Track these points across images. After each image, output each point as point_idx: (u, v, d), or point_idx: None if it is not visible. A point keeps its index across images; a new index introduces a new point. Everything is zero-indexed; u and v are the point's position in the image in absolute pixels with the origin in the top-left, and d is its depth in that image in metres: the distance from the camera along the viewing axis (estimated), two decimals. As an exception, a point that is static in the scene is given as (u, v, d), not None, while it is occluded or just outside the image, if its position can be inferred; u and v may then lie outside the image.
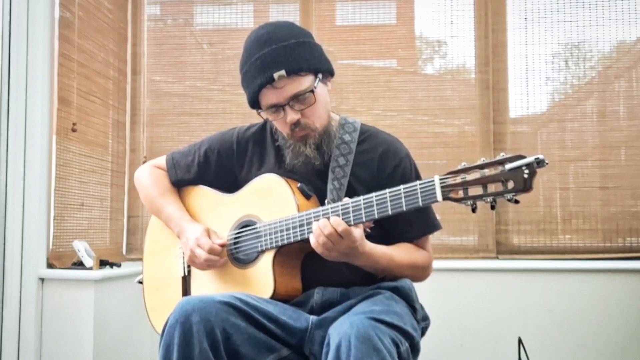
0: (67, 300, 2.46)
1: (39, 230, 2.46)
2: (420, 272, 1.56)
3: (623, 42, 2.88)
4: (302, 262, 1.51)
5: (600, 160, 2.82)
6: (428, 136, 2.93)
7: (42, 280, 2.47)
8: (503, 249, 2.83)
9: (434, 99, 2.95)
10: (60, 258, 2.57)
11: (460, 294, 2.71)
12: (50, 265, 2.50)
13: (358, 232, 1.36)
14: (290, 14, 3.07)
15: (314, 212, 1.40)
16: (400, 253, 1.50)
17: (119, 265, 2.66)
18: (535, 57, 2.90)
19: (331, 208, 1.38)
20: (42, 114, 2.49)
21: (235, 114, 3.04)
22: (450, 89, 2.98)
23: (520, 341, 2.40)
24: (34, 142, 2.47)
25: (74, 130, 2.65)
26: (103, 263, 2.61)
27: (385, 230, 1.51)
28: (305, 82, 1.47)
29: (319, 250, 1.37)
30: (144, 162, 1.83)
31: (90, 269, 2.49)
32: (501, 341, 2.52)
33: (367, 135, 1.60)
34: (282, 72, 1.43)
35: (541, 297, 2.68)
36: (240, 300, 1.32)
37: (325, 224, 1.35)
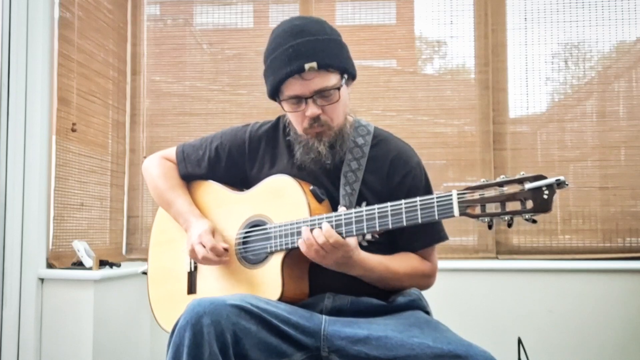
0: (67, 300, 2.46)
1: (39, 230, 2.46)
2: (421, 282, 1.54)
3: (623, 42, 2.88)
4: (312, 267, 1.49)
5: (600, 161, 2.82)
6: (428, 136, 2.92)
7: (42, 280, 2.47)
8: (503, 249, 2.83)
9: (434, 99, 2.95)
10: (60, 258, 2.57)
11: (460, 294, 2.70)
12: (50, 265, 2.50)
13: (352, 241, 1.36)
14: (290, 14, 3.07)
15: (326, 217, 1.39)
16: (397, 262, 1.49)
17: (118, 266, 2.66)
18: (535, 57, 2.90)
19: (344, 215, 1.37)
20: (42, 114, 2.49)
21: (234, 114, 3.04)
22: (450, 89, 2.98)
23: (520, 341, 2.40)
24: (34, 142, 2.47)
25: (73, 130, 2.65)
26: (103, 263, 2.61)
27: (391, 238, 1.49)
28: (333, 78, 1.46)
29: (311, 256, 1.37)
30: (144, 161, 1.82)
31: (90, 269, 2.49)
32: (501, 341, 2.52)
33: (379, 140, 1.59)
34: (314, 64, 1.42)
35: (541, 297, 2.68)
36: (251, 303, 1.31)
37: (318, 234, 1.35)
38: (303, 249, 1.37)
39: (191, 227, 1.59)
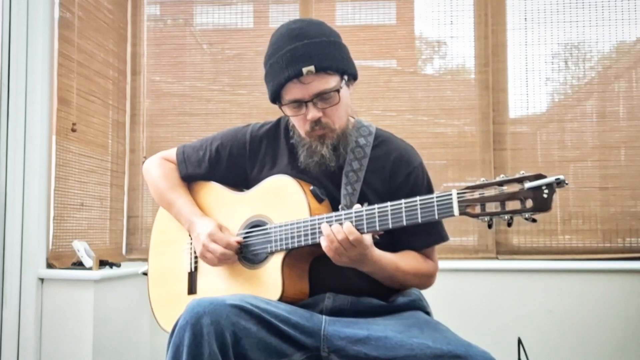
0: (67, 300, 2.46)
1: (39, 230, 2.46)
2: (424, 281, 1.55)
3: (623, 43, 2.88)
4: (313, 267, 1.49)
5: (600, 161, 2.82)
6: (428, 136, 2.92)
7: (42, 280, 2.47)
8: (503, 249, 2.83)
9: (434, 99, 2.95)
10: (60, 258, 2.57)
11: (460, 294, 2.70)
12: (49, 266, 2.50)
13: (368, 238, 1.36)
14: (290, 14, 3.07)
15: (326, 217, 1.39)
16: (406, 261, 1.50)
17: (118, 266, 2.66)
18: (535, 58, 2.90)
19: (345, 214, 1.37)
20: (42, 114, 2.49)
21: (235, 114, 3.05)
22: (450, 89, 2.98)
23: (519, 341, 2.40)
24: (34, 142, 2.47)
25: (73, 130, 2.65)
26: (103, 263, 2.61)
27: (393, 238, 1.50)
28: (332, 81, 1.46)
29: (330, 254, 1.37)
30: (144, 162, 1.83)
31: (90, 269, 2.49)
32: (501, 341, 2.52)
33: (381, 141, 1.59)
34: (311, 68, 1.42)
35: (541, 297, 2.68)
36: (251, 303, 1.31)
37: (339, 230, 1.34)
38: (324, 244, 1.36)
39: (196, 226, 1.59)
